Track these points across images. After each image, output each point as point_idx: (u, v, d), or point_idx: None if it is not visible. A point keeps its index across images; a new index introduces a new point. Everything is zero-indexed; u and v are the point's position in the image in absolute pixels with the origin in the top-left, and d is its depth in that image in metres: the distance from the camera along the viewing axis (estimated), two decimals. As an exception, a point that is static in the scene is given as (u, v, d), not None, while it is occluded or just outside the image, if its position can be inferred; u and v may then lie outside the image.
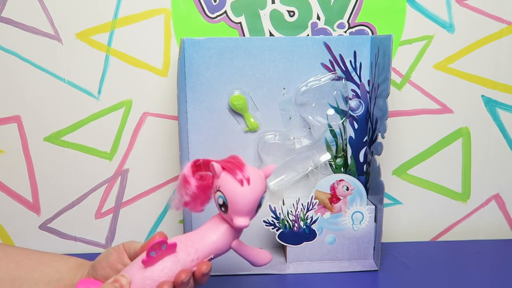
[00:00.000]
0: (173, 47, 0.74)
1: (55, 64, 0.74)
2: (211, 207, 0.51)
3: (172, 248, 0.45)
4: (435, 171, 0.80)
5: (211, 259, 0.48)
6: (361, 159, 0.74)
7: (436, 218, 0.82)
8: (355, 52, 0.71)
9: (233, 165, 0.47)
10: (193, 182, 0.48)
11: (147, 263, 0.44)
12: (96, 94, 0.75)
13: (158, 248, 0.44)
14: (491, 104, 0.79)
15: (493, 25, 0.76)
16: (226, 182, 0.47)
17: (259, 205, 0.48)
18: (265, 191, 0.49)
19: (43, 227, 0.80)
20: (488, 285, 0.66)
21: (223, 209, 0.47)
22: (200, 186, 0.49)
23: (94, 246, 0.80)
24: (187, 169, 0.49)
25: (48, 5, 0.72)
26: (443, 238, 0.83)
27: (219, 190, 0.47)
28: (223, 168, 0.47)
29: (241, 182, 0.46)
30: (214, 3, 0.73)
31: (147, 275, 0.44)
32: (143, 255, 0.45)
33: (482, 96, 0.78)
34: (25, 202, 0.79)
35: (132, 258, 0.49)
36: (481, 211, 0.83)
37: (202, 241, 0.48)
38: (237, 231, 0.49)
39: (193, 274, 0.47)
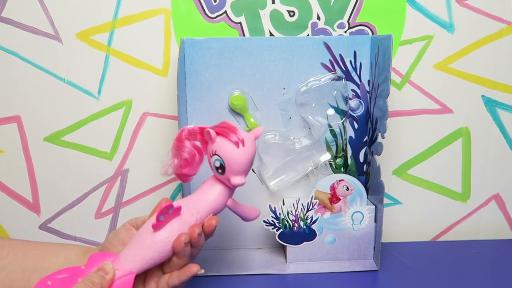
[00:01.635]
0: (173, 47, 0.74)
1: (55, 64, 0.74)
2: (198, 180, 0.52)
3: (178, 211, 0.49)
4: (435, 171, 0.80)
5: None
6: (361, 159, 0.74)
7: (436, 218, 0.82)
8: (355, 52, 0.71)
9: (227, 130, 0.51)
10: (189, 144, 0.52)
11: (156, 227, 0.48)
12: (96, 94, 0.75)
13: (166, 213, 0.47)
14: (491, 104, 0.79)
15: (493, 25, 0.76)
16: (222, 145, 0.50)
17: (251, 164, 0.52)
18: (256, 152, 0.53)
19: (43, 227, 0.80)
20: (488, 285, 0.66)
21: (220, 171, 0.51)
22: (195, 147, 0.52)
23: (94, 246, 0.80)
24: (183, 132, 0.52)
25: (48, 5, 0.72)
26: (443, 238, 0.83)
27: (215, 154, 0.51)
28: (218, 133, 0.51)
29: (237, 144, 0.50)
30: (214, 3, 0.73)
31: (157, 239, 0.48)
32: (152, 220, 0.48)
33: (482, 96, 0.78)
34: (25, 202, 0.79)
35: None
36: (481, 211, 0.83)
37: (202, 203, 0.52)
38: (231, 191, 0.54)
39: (203, 230, 0.51)
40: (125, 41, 0.74)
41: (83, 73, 0.74)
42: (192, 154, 0.52)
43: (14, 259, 0.52)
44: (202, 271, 0.50)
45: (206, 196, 0.52)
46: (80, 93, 0.75)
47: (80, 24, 0.73)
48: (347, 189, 0.69)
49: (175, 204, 0.49)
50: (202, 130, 0.52)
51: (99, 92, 0.75)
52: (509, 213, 0.83)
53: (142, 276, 0.50)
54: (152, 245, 0.48)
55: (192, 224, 0.50)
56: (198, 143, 0.53)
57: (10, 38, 0.73)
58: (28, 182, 0.78)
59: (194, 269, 0.49)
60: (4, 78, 0.74)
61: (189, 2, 0.73)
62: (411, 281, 0.66)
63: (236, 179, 0.51)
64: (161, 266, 0.50)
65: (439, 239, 0.83)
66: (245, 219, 0.56)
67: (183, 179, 0.54)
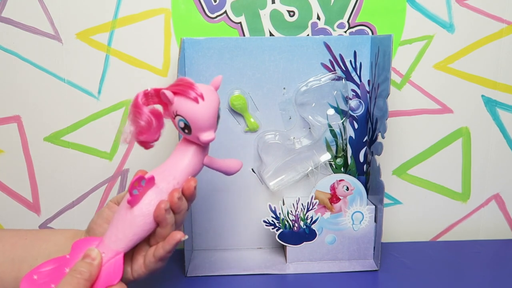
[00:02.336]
0: (173, 47, 0.74)
1: (55, 64, 0.74)
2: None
3: (151, 181, 0.47)
4: (435, 171, 0.80)
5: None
6: (361, 159, 0.74)
7: (436, 218, 0.82)
8: (355, 52, 0.71)
9: (183, 87, 0.48)
10: (146, 109, 0.48)
11: (132, 202, 0.46)
12: (96, 94, 0.75)
13: (138, 186, 0.46)
14: (491, 104, 0.79)
15: (493, 25, 0.76)
16: (182, 104, 0.48)
17: (218, 117, 0.50)
18: (219, 102, 0.50)
19: (43, 227, 0.80)
20: (488, 285, 0.66)
21: (186, 131, 0.49)
22: (153, 112, 0.49)
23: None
24: (138, 97, 0.49)
25: (48, 5, 0.72)
26: (443, 238, 0.83)
27: (177, 115, 0.48)
28: (175, 93, 0.48)
29: (196, 100, 0.47)
30: (214, 3, 0.73)
31: (136, 214, 0.46)
32: (127, 196, 0.46)
33: (482, 96, 0.78)
34: (25, 202, 0.79)
35: None
36: (481, 211, 0.83)
37: (177, 167, 0.50)
38: (204, 148, 0.51)
39: (183, 193, 0.49)
40: (125, 41, 0.74)
41: (83, 73, 0.74)
42: (149, 120, 0.48)
43: (3, 250, 0.51)
44: (186, 237, 0.48)
45: (180, 160, 0.50)
46: (80, 93, 0.75)
47: (80, 24, 0.73)
48: (347, 189, 0.69)
49: (147, 175, 0.47)
50: (158, 92, 0.49)
51: (99, 92, 0.75)
52: (509, 213, 0.83)
53: (130, 253, 0.49)
54: (132, 220, 0.46)
55: (170, 191, 0.48)
56: (158, 107, 0.50)
57: (10, 38, 0.73)
58: (28, 182, 0.78)
59: (177, 236, 0.47)
60: (4, 78, 0.74)
61: (189, 2, 0.73)
62: (411, 281, 0.66)
63: (204, 136, 0.48)
64: (147, 240, 0.49)
65: (439, 239, 0.83)
66: (227, 173, 0.54)
67: (145, 146, 0.51)
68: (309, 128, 0.73)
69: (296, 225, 0.69)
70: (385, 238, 0.81)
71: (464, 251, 0.76)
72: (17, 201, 0.78)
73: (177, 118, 0.48)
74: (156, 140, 0.50)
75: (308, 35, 0.74)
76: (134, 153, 0.77)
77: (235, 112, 0.71)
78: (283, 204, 0.69)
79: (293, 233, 0.70)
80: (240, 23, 0.74)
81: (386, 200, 0.81)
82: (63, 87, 0.75)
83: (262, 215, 0.70)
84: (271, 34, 0.74)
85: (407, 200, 0.81)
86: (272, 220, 0.69)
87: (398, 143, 0.79)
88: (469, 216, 0.83)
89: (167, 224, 0.48)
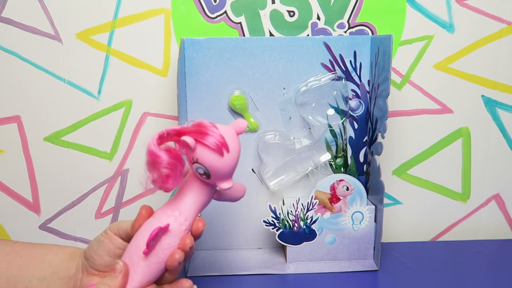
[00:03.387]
0: (173, 47, 0.74)
1: (55, 64, 0.74)
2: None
3: (166, 229, 0.46)
4: (435, 171, 0.80)
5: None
6: (361, 159, 0.74)
7: (436, 218, 0.82)
8: (355, 52, 0.71)
9: (205, 135, 0.44)
10: (164, 155, 0.45)
11: (148, 252, 0.46)
12: (96, 94, 0.75)
13: (156, 237, 0.45)
14: (491, 104, 0.79)
15: (493, 25, 0.76)
16: (205, 154, 0.45)
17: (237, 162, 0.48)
18: (240, 148, 0.48)
19: (43, 227, 0.80)
20: (488, 285, 0.66)
21: (204, 177, 0.47)
22: (171, 156, 0.45)
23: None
24: (152, 144, 0.45)
25: (48, 5, 0.72)
26: (443, 238, 0.83)
27: (197, 162, 0.45)
28: (196, 140, 0.45)
29: (221, 153, 0.45)
30: (214, 3, 0.73)
31: (152, 261, 0.46)
32: (139, 244, 0.46)
33: (482, 96, 0.78)
34: (25, 202, 0.79)
35: (124, 237, 0.49)
36: (481, 211, 0.83)
37: (188, 207, 0.48)
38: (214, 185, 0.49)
39: (192, 234, 0.49)
40: (125, 41, 0.74)
41: (83, 73, 0.74)
42: (171, 167, 0.45)
43: None
44: (195, 287, 0.48)
45: (190, 198, 0.48)
46: (80, 93, 0.75)
47: (80, 24, 0.73)
48: (347, 189, 0.69)
49: (157, 215, 0.47)
50: (176, 133, 0.46)
51: (99, 92, 0.75)
52: (509, 213, 0.83)
53: None
54: (148, 267, 0.46)
55: (182, 233, 0.47)
56: (172, 144, 0.47)
57: (10, 38, 0.73)
58: (28, 182, 0.78)
59: (186, 285, 0.48)
60: (4, 78, 0.74)
61: (189, 2, 0.73)
62: (411, 281, 0.66)
63: (224, 185, 0.47)
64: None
65: (439, 239, 0.83)
66: (234, 200, 0.53)
67: (168, 191, 0.47)
68: (309, 128, 0.73)
69: (296, 225, 0.69)
70: (385, 238, 0.81)
71: (464, 251, 0.76)
72: (17, 201, 0.78)
73: (197, 165, 0.46)
74: (180, 184, 0.48)
75: (308, 35, 0.74)
76: (134, 153, 0.77)
77: (235, 112, 0.71)
78: (283, 204, 0.69)
79: (293, 233, 0.70)
80: (240, 23, 0.74)
81: (386, 200, 0.81)
82: (63, 87, 0.75)
83: (262, 215, 0.70)
84: (271, 34, 0.74)
85: (407, 200, 0.81)
86: (272, 220, 0.69)
87: (398, 143, 0.79)
88: (469, 216, 0.83)
89: (177, 272, 0.48)
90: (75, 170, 0.78)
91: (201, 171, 0.46)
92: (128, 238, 0.49)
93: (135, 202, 0.79)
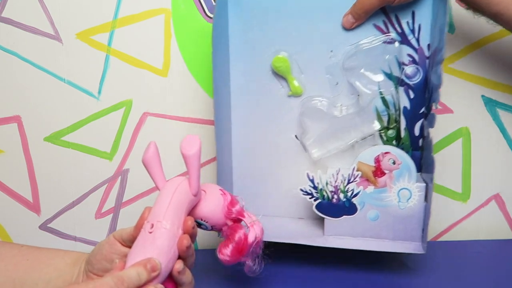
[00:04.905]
0: (173, 47, 0.74)
1: (55, 64, 0.74)
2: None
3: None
4: (435, 171, 0.80)
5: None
6: (416, 132, 0.68)
7: (436, 218, 0.82)
8: (413, 12, 0.63)
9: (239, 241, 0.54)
10: (249, 242, 0.54)
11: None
12: (96, 94, 0.75)
13: None
14: (491, 104, 0.79)
15: (493, 25, 0.76)
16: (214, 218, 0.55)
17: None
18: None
19: (43, 227, 0.80)
20: (488, 285, 0.66)
21: (203, 226, 0.55)
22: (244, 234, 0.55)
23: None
24: (250, 244, 0.54)
25: (48, 5, 0.72)
26: (443, 238, 0.83)
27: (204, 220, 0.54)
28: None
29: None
30: (214, 3, 0.73)
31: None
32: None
33: (482, 96, 0.78)
34: (25, 202, 0.79)
35: (126, 243, 0.50)
36: (481, 211, 0.82)
37: (180, 214, 0.50)
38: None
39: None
40: (125, 41, 0.74)
41: (83, 73, 0.74)
42: (254, 250, 0.55)
43: (5, 270, 0.52)
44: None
45: (181, 206, 0.51)
46: (80, 93, 0.75)
47: (80, 24, 0.73)
48: (394, 163, 0.64)
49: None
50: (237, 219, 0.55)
51: (99, 92, 0.75)
52: (509, 213, 0.83)
53: None
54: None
55: (176, 235, 0.48)
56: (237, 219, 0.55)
57: (10, 38, 0.73)
58: (28, 182, 0.78)
59: (184, 242, 0.48)
60: (4, 78, 0.74)
61: (189, 2, 0.73)
62: (411, 281, 0.66)
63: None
64: None
65: (439, 239, 0.83)
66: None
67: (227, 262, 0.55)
68: (358, 95, 0.67)
69: (335, 196, 0.65)
70: (385, 238, 0.81)
71: (464, 251, 0.76)
72: (17, 201, 0.78)
73: (200, 221, 0.54)
74: None
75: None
76: (134, 153, 0.77)
77: (278, 75, 0.68)
78: (323, 173, 0.64)
79: (332, 205, 0.65)
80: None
81: (386, 200, 0.80)
82: (63, 87, 0.75)
83: (300, 183, 0.65)
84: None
85: (407, 200, 0.81)
86: (310, 190, 0.65)
87: (398, 143, 0.79)
88: (469, 216, 0.83)
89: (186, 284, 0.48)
90: (75, 170, 0.78)
91: (209, 228, 0.55)
92: (131, 242, 0.49)
93: (135, 202, 0.79)
